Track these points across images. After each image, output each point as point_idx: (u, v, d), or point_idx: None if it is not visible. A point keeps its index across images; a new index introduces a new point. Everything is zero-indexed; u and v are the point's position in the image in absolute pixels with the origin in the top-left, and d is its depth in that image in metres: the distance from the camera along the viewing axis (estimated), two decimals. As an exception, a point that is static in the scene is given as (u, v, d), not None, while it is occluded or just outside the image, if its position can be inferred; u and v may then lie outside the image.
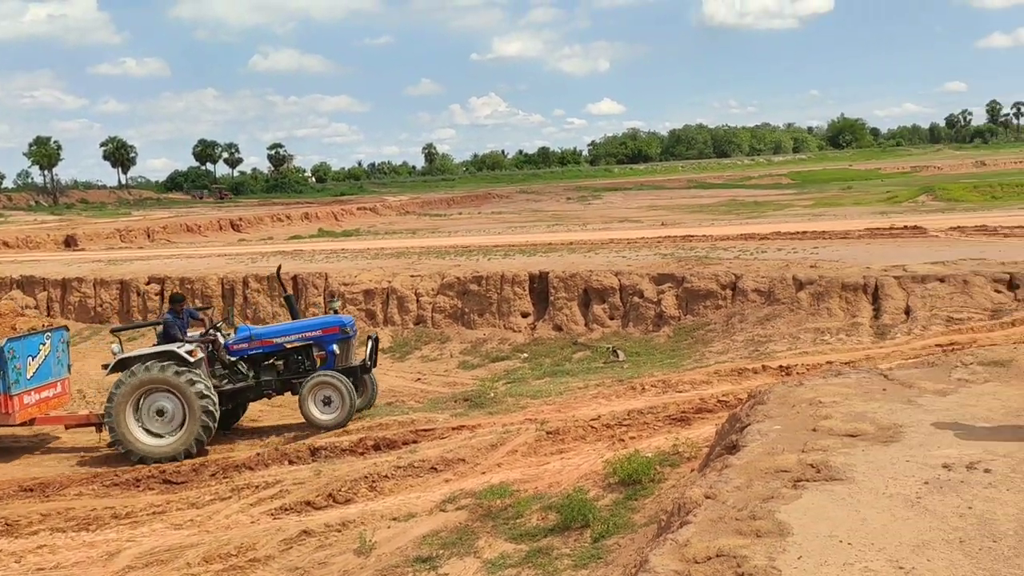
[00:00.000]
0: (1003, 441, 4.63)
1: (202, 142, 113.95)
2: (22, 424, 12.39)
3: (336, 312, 13.28)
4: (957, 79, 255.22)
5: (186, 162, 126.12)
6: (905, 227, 21.31)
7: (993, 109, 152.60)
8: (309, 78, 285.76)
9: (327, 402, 11.55)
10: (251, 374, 12.43)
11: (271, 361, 12.49)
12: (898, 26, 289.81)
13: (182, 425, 11.46)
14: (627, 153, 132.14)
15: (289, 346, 12.31)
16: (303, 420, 11.79)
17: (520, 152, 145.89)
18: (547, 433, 9.73)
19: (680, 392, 11.07)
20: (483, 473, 8.91)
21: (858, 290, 13.35)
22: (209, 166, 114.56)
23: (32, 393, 12.33)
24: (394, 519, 7.94)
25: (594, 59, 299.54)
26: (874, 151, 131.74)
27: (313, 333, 12.37)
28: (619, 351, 12.05)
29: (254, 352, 12.39)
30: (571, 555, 6.37)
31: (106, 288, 21.60)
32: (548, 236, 28.96)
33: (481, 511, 7.55)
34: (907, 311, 12.78)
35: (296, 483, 9.51)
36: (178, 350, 11.65)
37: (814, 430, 5.26)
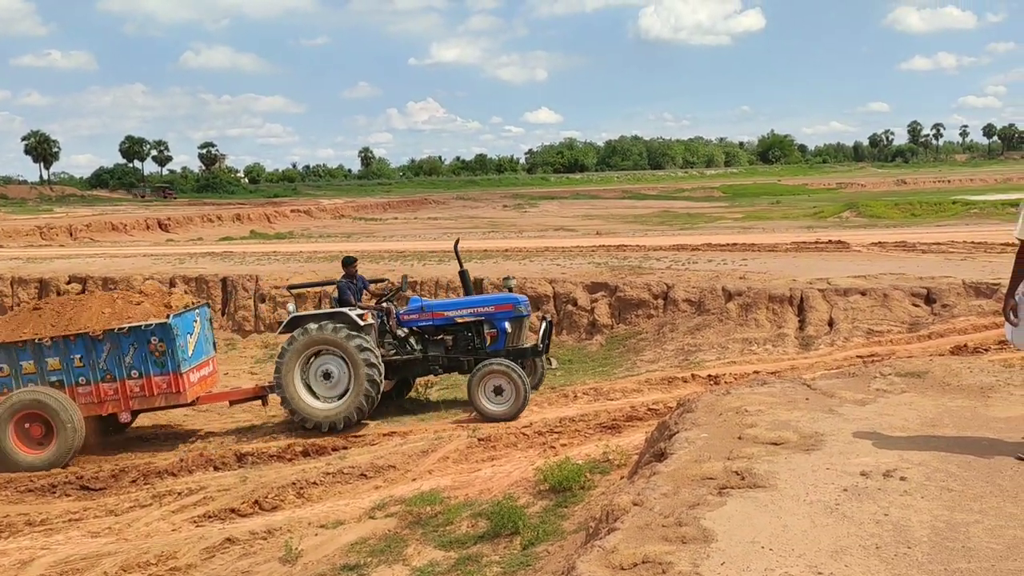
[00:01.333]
0: (918, 450, 4.79)
1: (129, 139, 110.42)
2: (191, 404, 11.88)
3: (510, 291, 12.54)
4: (880, 100, 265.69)
5: (112, 159, 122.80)
6: (830, 241, 21.94)
7: (914, 130, 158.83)
8: (243, 77, 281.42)
9: (498, 391, 11.02)
10: (419, 348, 12.01)
11: (440, 336, 12.01)
12: (826, 47, 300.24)
13: (346, 391, 11.25)
14: (564, 162, 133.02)
15: (460, 320, 11.82)
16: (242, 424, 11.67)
17: (457, 158, 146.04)
18: (479, 440, 9.72)
19: (611, 400, 11.20)
20: (414, 480, 8.84)
21: (784, 302, 13.70)
22: (136, 163, 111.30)
23: (194, 371, 11.75)
24: (322, 526, 7.80)
25: (532, 68, 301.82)
26: (802, 167, 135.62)
27: (486, 309, 11.86)
28: (552, 359, 12.12)
29: (424, 324, 11.94)
30: (500, 562, 6.35)
31: (24, 287, 20.81)
32: (484, 243, 28.97)
33: (411, 518, 7.48)
34: (830, 323, 13.18)
35: (221, 490, 9.28)
36: (350, 313, 11.37)
37: (740, 438, 5.36)
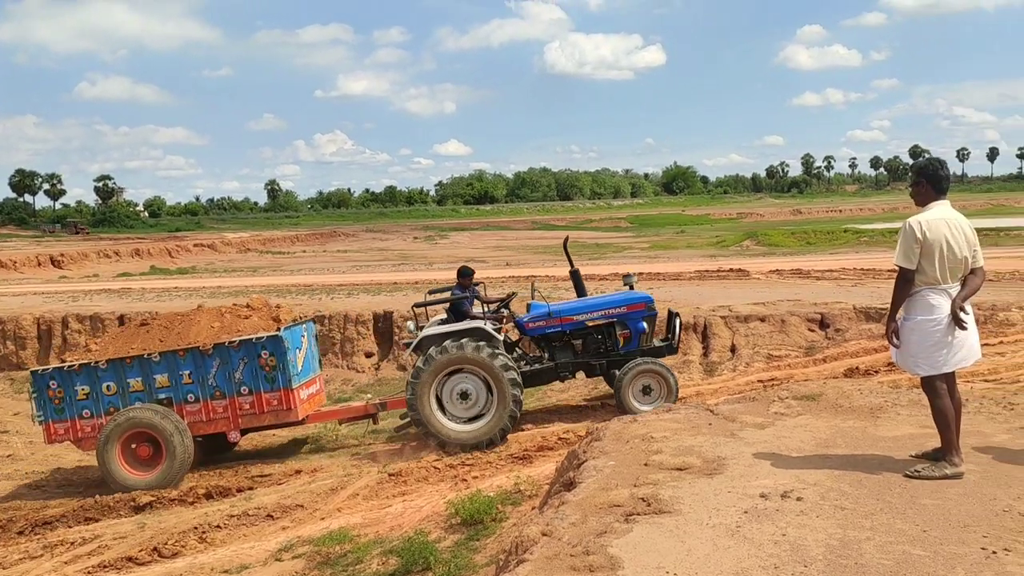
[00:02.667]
0: (813, 470, 4.97)
1: (20, 172, 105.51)
2: (300, 422, 11.22)
3: (631, 288, 11.97)
4: (775, 133, 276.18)
5: (0, 193, 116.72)
6: (731, 269, 22.67)
7: (807, 162, 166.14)
8: (142, 108, 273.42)
9: (646, 391, 10.75)
10: (546, 355, 11.39)
11: (568, 341, 11.40)
12: (723, 82, 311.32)
13: (481, 411, 10.67)
14: (474, 194, 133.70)
15: (591, 324, 11.33)
16: None
17: (367, 190, 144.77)
18: (389, 475, 9.58)
19: (522, 430, 11.21)
20: (322, 519, 8.63)
21: (689, 329, 14.05)
22: (28, 197, 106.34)
23: (303, 388, 11.11)
24: (225, 572, 7.52)
25: (440, 101, 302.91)
26: (704, 198, 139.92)
27: (618, 310, 11.35)
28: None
29: (552, 331, 11.31)
30: (412, 600, 6.26)
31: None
32: (394, 275, 28.78)
33: (319, 559, 7.30)
34: (732, 348, 13.58)
35: (117, 537, 8.86)
36: (486, 327, 10.76)
37: (646, 465, 5.46)
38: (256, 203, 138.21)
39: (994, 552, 3.65)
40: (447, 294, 11.54)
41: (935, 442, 4.88)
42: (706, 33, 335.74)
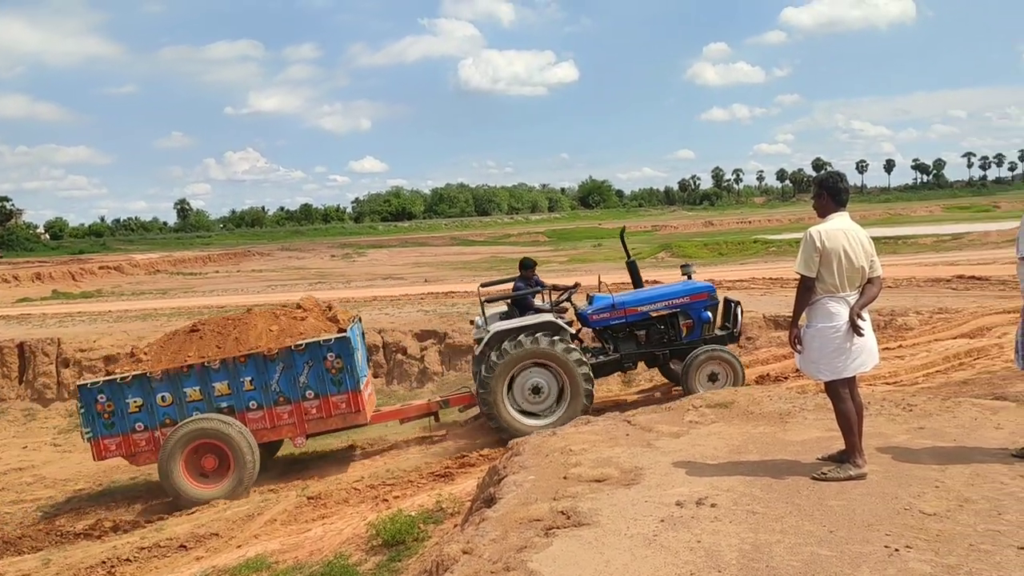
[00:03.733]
0: (726, 477, 5.09)
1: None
2: (367, 423, 10.87)
3: (690, 277, 11.93)
4: (686, 147, 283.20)
5: None
6: (645, 281, 23.04)
7: (717, 175, 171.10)
8: (42, 126, 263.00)
9: (713, 378, 10.68)
10: (610, 347, 11.11)
11: (629, 331, 11.16)
12: (635, 97, 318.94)
13: (556, 403, 10.70)
14: (391, 211, 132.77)
15: (655, 315, 11.22)
16: None
17: (282, 208, 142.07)
18: (308, 499, 9.38)
19: (444, 447, 11.16)
20: (239, 547, 8.37)
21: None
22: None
23: (365, 388, 10.88)
24: (136, 607, 7.24)
25: (355, 117, 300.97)
26: (620, 211, 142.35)
27: (681, 300, 11.27)
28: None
29: (616, 323, 11.11)
30: (332, 626, 6.13)
31: None
32: (311, 293, 28.27)
33: (236, 589, 7.09)
34: (651, 359, 13.79)
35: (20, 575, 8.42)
36: (557, 321, 10.77)
37: (565, 478, 5.50)
38: (165, 223, 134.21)
39: (896, 550, 3.81)
40: (509, 286, 11.59)
41: (840, 444, 5.07)
42: (617, 50, 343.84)
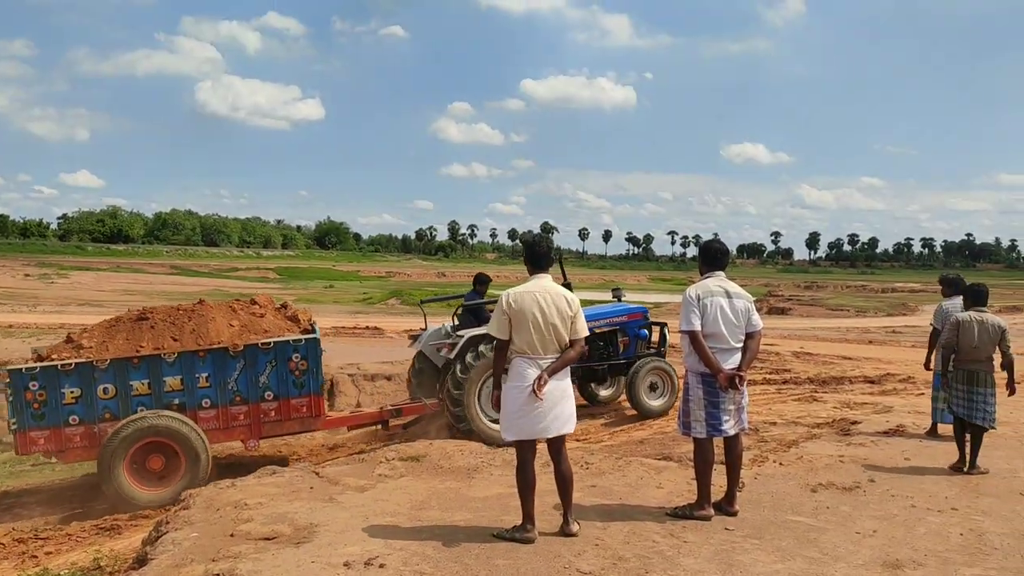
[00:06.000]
0: (403, 535, 4.96)
1: None
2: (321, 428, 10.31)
3: (620, 300, 12.54)
4: (426, 198, 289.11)
5: None
6: (367, 327, 22.90)
7: (453, 228, 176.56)
8: None
9: (653, 388, 11.46)
10: None
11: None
12: (380, 143, 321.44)
13: None
14: (105, 231, 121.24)
15: (598, 331, 11.59)
16: None
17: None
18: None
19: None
20: None
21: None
22: None
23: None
24: None
25: (71, 126, 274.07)
26: (356, 254, 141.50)
27: (620, 319, 11.88)
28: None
29: None
30: None
31: None
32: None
33: None
34: (358, 405, 13.56)
35: None
36: None
37: (232, 535, 5.07)
38: None
39: (549, 609, 3.85)
40: (457, 299, 11.95)
41: (518, 503, 5.09)
42: (365, 94, 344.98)
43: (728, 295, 5.30)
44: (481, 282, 12.02)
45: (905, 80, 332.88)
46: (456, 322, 11.55)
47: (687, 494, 5.74)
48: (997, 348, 6.90)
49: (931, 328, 8.44)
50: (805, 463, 6.97)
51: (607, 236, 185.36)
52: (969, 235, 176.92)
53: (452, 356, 10.53)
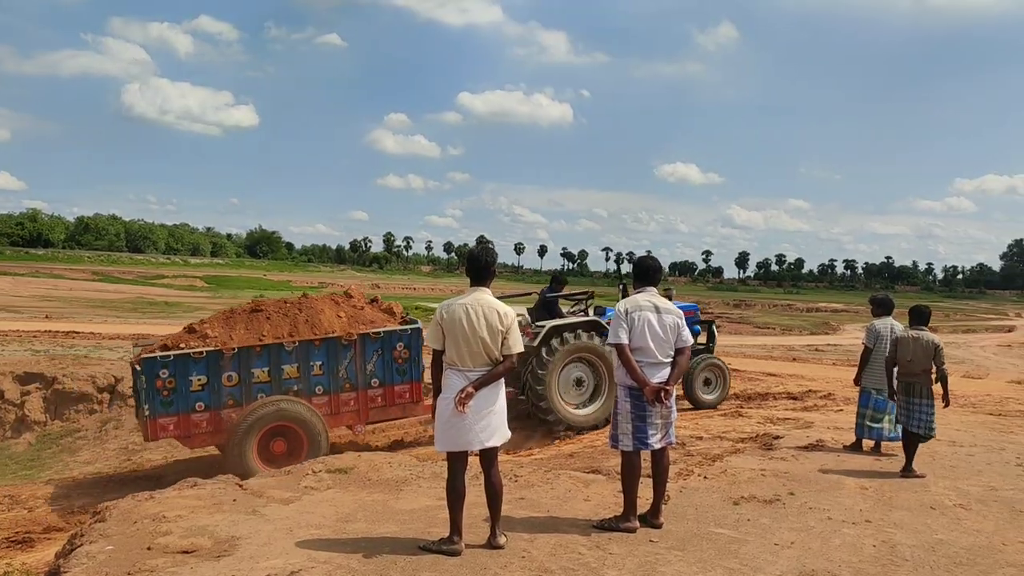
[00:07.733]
0: (327, 548, 4.88)
1: None
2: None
3: (671, 299, 11.42)
4: (361, 209, 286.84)
5: None
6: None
7: (388, 240, 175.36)
8: None
9: (707, 383, 12.14)
10: None
11: None
12: (315, 153, 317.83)
13: (592, 396, 11.62)
14: (24, 235, 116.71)
15: None
16: None
17: None
18: None
19: (31, 510, 9.66)
20: None
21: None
22: None
23: None
24: None
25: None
26: (288, 264, 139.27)
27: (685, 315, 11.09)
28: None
29: None
30: None
31: None
32: None
33: None
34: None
35: None
36: (601, 321, 11.50)
37: (149, 549, 4.93)
38: None
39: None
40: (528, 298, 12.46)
41: (446, 515, 5.05)
42: (300, 102, 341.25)
43: (657, 310, 5.38)
44: (559, 281, 12.64)
45: (830, 108, 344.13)
46: (530, 317, 12.01)
47: (614, 507, 5.80)
48: (932, 364, 7.25)
49: (863, 347, 8.71)
50: (729, 477, 7.11)
51: (543, 251, 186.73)
52: (889, 258, 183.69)
53: (535, 343, 11.09)
